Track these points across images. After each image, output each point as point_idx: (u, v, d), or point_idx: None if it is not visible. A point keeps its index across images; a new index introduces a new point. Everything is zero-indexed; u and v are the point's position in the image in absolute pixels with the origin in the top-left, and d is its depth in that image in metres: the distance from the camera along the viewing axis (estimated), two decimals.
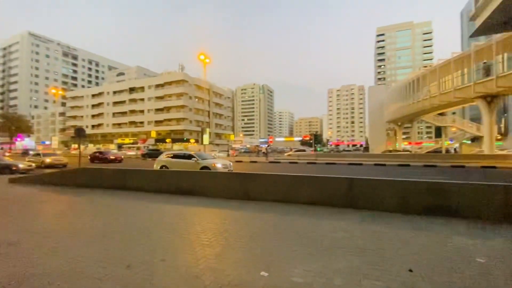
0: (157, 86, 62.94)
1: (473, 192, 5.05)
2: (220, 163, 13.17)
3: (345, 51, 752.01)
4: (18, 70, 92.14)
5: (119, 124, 67.88)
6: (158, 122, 62.37)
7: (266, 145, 48.30)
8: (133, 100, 65.95)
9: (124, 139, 65.16)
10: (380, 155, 27.87)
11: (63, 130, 77.71)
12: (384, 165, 20.45)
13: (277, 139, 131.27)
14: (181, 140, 58.24)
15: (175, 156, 13.87)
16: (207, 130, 30.31)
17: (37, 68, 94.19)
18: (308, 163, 23.74)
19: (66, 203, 6.99)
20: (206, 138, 29.82)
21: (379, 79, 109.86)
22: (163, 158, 14.10)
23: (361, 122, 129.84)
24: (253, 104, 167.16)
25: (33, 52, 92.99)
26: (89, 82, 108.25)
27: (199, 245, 3.68)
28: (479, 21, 10.50)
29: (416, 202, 5.43)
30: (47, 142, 76.86)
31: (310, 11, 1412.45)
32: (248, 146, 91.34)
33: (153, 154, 32.31)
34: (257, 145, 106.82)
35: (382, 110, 48.46)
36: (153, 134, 60.56)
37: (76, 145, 68.10)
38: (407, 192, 5.56)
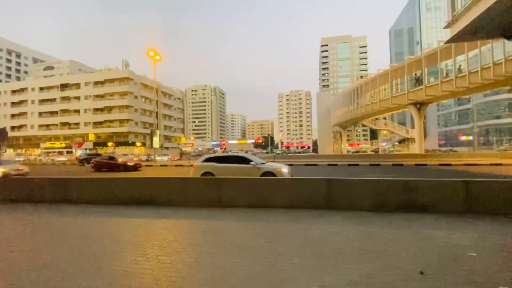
0: (96, 83, 56.46)
1: (441, 188, 5.44)
2: (285, 167, 10.42)
3: (293, 57, 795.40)
4: None
5: (47, 125, 58.73)
6: (97, 124, 55.87)
7: (223, 148, 47.38)
8: (66, 98, 57.84)
9: (54, 143, 56.61)
10: (330, 156, 29.81)
11: None
12: (336, 165, 21.76)
13: (230, 141, 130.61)
14: (126, 144, 53.25)
15: (222, 160, 10.83)
16: (157, 132, 28.09)
17: None
18: None
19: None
20: (156, 141, 27.62)
21: (324, 86, 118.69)
22: (203, 163, 10.92)
23: (308, 125, 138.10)
24: (204, 106, 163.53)
25: None
26: (8, 75, 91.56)
27: (182, 266, 3.03)
28: (453, 31, 11.84)
29: (390, 200, 5.63)
30: None
31: (261, 16, 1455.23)
32: (200, 149, 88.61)
33: (91, 159, 28.59)
34: (210, 148, 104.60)
35: (329, 114, 52.26)
36: (92, 137, 54.22)
37: None
38: (382, 190, 5.74)
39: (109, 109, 55.45)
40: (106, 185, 7.14)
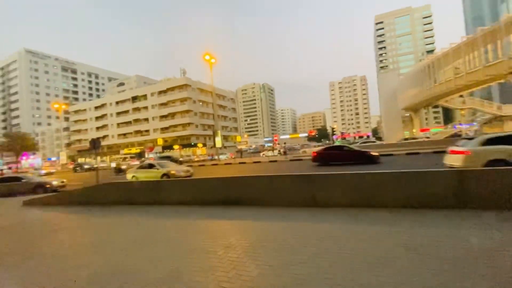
0: (160, 92, 62.02)
1: None
2: None
3: (342, 43, 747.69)
4: (18, 89, 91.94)
5: (124, 134, 67.11)
6: (163, 129, 61.45)
7: (283, 143, 47.16)
8: (136, 109, 65.12)
9: (130, 149, 64.32)
10: (406, 143, 26.30)
11: (68, 145, 77.16)
12: (418, 153, 19.12)
13: (281, 137, 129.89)
14: (189, 145, 57.21)
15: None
16: (219, 132, 29.12)
17: (37, 85, 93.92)
18: None
19: (92, 229, 5.80)
20: (218, 141, 28.65)
21: (381, 67, 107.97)
22: (486, 147, 7.29)
23: (365, 113, 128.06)
24: (254, 104, 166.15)
25: (32, 69, 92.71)
26: (90, 95, 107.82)
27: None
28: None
29: None
30: (53, 158, 76.45)
31: (303, 7, 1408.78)
32: (253, 146, 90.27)
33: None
34: (262, 145, 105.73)
35: (396, 97, 46.92)
36: (160, 142, 59.75)
37: (71, 161, 67.51)
38: None
39: (172, 115, 60.35)
40: (194, 186, 7.21)
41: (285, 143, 45.92)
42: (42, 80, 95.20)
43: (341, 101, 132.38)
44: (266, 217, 5.29)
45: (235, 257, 3.29)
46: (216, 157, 32.94)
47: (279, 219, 4.98)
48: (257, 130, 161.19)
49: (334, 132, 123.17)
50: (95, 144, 11.32)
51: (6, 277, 3.40)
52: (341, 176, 5.87)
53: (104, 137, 70.92)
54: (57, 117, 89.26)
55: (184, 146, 57.69)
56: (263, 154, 35.29)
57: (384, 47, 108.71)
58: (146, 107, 63.79)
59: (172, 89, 60.58)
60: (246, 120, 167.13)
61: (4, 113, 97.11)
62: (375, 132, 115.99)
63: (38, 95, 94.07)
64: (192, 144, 57.70)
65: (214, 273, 2.89)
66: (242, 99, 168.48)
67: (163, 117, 61.48)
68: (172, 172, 13.43)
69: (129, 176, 14.78)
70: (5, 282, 3.26)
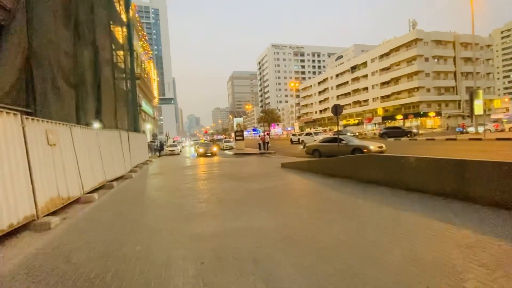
0: (381, 56, 56.02)
1: None
2: None
3: None
4: (268, 76, 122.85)
5: (343, 105, 69.25)
6: (384, 98, 55.83)
7: None
8: (355, 79, 64.09)
9: (348, 120, 65.45)
10: None
11: (298, 117, 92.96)
12: None
13: None
14: (417, 115, 47.87)
15: None
16: (480, 93, 20.25)
17: (278, 71, 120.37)
18: None
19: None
20: (478, 106, 20.12)
21: None
22: None
23: None
24: None
25: (275, 59, 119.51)
26: (314, 73, 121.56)
27: None
28: None
29: None
30: (289, 128, 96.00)
31: None
32: None
33: (392, 133, 27.68)
34: None
35: None
36: (380, 112, 55.33)
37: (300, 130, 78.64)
38: None
39: (396, 80, 52.83)
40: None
41: None
42: (281, 66, 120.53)
43: None
44: None
45: None
46: (470, 129, 23.94)
47: None
48: None
49: None
50: (337, 109, 10.81)
51: None
52: None
53: (325, 109, 77.55)
54: (291, 96, 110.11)
55: (405, 116, 49.00)
56: None
57: None
58: (365, 76, 60.77)
59: (396, 49, 52.37)
60: (507, 77, 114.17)
61: (261, 95, 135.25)
62: None
63: (279, 79, 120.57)
64: (422, 113, 47.66)
65: None
66: (501, 46, 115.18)
67: (384, 84, 55.59)
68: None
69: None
70: None
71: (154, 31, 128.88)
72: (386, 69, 54.86)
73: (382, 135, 27.87)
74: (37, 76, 5.83)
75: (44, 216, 4.60)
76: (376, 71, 57.25)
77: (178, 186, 7.92)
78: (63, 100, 6.71)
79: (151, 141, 32.78)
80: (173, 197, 6.50)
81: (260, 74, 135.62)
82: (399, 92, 52.21)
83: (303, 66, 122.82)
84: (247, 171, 10.47)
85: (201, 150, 21.30)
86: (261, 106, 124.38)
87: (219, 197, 6.14)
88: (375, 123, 55.78)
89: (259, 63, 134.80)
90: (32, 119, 4.74)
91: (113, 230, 4.19)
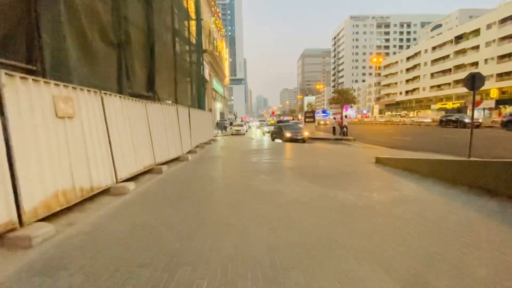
0: (503, 20, 42.97)
1: None
2: None
3: None
4: (344, 53, 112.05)
5: (438, 85, 57.49)
6: (501, 75, 43.45)
7: None
8: (460, 52, 51.68)
9: (445, 103, 54.16)
10: None
11: (378, 99, 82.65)
12: None
13: None
14: None
15: None
16: None
17: (356, 46, 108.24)
18: None
19: None
20: None
21: None
22: None
23: None
24: None
25: (354, 33, 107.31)
26: (400, 47, 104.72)
27: None
28: None
29: None
30: (364, 111, 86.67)
31: None
32: None
33: None
34: None
35: None
36: (494, 94, 43.62)
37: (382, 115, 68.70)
38: None
39: None
40: None
41: None
42: (360, 41, 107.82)
43: None
44: None
45: None
46: None
47: None
48: None
49: None
50: (475, 80, 7.46)
51: None
52: None
53: (414, 90, 66.16)
54: (369, 74, 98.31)
55: None
56: None
57: None
58: (476, 47, 48.20)
59: None
60: None
61: (334, 74, 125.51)
62: None
63: (357, 55, 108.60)
64: None
65: None
66: None
67: (504, 57, 43.00)
68: None
69: None
70: None
71: (229, 11, 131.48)
72: (509, 37, 42.01)
73: (507, 124, 21.09)
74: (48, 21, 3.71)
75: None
76: (493, 40, 44.56)
77: (233, 185, 5.23)
78: (96, 61, 4.98)
79: (220, 119, 33.50)
80: (220, 207, 3.87)
81: (334, 51, 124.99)
82: None
83: (387, 40, 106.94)
84: (326, 166, 7.35)
85: (288, 134, 16.82)
86: (333, 86, 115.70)
87: (291, 219, 3.27)
88: (484, 108, 44.44)
89: (334, 38, 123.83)
90: (22, 77, 2.98)
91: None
